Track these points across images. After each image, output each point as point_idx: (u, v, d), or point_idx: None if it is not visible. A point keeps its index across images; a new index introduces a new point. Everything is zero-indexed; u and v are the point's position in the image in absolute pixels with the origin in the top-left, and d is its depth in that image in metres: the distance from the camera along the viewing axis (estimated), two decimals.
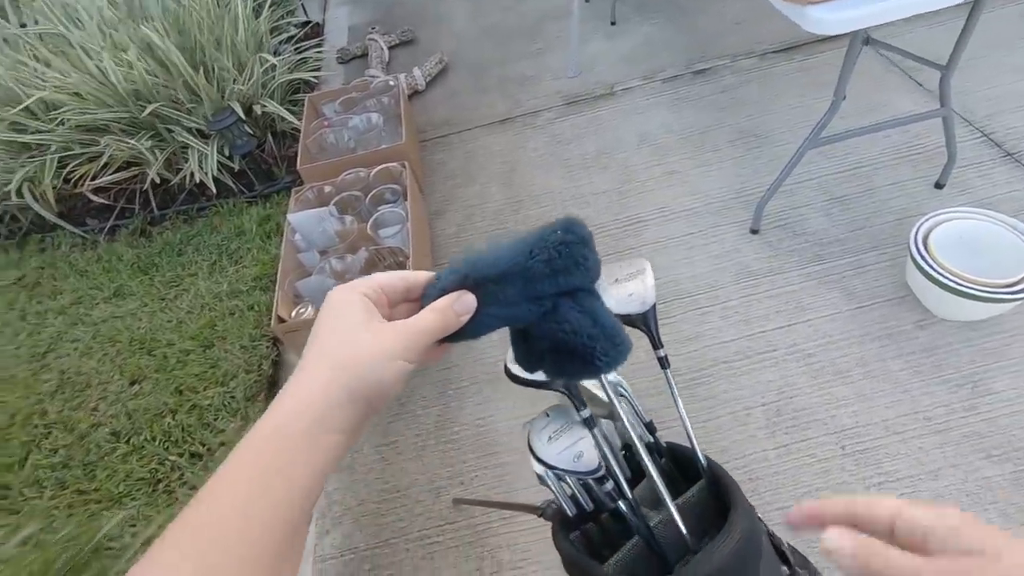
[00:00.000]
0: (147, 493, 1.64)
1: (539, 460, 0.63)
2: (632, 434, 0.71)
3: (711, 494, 0.67)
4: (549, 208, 2.21)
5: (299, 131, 2.49)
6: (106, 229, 2.59)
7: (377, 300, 0.43)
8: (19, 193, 2.47)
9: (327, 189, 2.16)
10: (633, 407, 0.75)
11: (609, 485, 0.62)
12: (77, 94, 2.46)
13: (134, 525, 1.56)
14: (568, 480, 0.70)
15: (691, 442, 0.68)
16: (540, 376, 0.64)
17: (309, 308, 1.83)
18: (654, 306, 0.65)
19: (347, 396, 0.38)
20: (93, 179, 2.51)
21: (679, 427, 0.75)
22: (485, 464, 1.58)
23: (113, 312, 2.18)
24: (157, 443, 1.74)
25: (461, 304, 0.43)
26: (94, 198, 2.56)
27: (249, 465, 0.37)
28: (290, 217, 2.03)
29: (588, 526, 0.71)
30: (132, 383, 1.92)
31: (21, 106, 2.44)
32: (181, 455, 1.71)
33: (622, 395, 0.75)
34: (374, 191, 2.10)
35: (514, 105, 2.70)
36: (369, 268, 1.94)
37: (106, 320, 2.15)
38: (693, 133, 2.31)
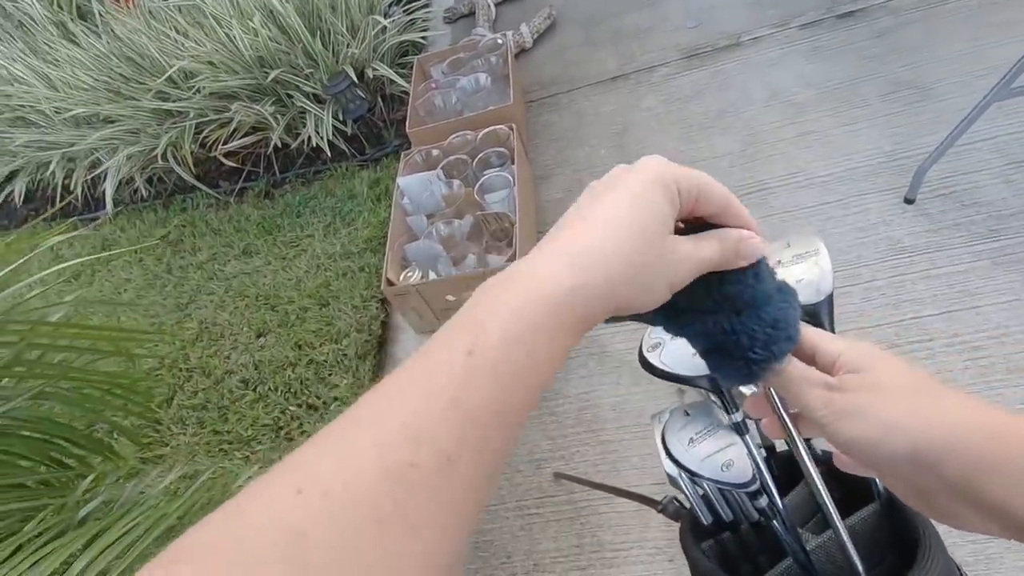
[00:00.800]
0: (271, 438, 1.77)
1: (676, 463, 0.56)
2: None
3: (884, 516, 0.57)
4: None
5: (408, 94, 2.50)
6: (235, 191, 2.79)
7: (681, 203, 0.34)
8: (164, 157, 2.70)
9: (435, 153, 2.16)
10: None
11: (763, 501, 0.54)
12: (211, 62, 2.62)
13: (261, 471, 1.69)
14: (706, 485, 0.63)
15: None
16: (685, 371, 0.56)
17: (416, 272, 1.85)
18: (830, 296, 0.54)
19: (600, 307, 0.31)
20: (224, 143, 2.69)
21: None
22: (588, 440, 1.53)
23: (242, 269, 2.35)
24: (279, 393, 1.87)
25: (749, 246, 0.36)
26: (225, 162, 2.75)
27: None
28: (399, 181, 2.05)
29: (724, 536, 0.64)
30: (258, 336, 2.07)
31: (164, 76, 2.65)
32: (300, 406, 1.82)
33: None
34: (480, 155, 2.06)
35: (627, 61, 2.52)
36: (475, 234, 1.92)
37: (236, 276, 2.32)
38: (836, 87, 2.02)
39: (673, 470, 0.65)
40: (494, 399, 0.27)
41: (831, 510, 0.51)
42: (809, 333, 0.40)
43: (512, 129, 2.07)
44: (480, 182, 1.95)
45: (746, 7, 2.47)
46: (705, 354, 0.43)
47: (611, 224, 0.32)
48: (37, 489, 0.82)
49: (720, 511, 0.62)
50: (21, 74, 2.94)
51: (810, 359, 0.39)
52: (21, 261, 0.88)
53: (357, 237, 2.29)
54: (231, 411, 1.87)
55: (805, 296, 0.57)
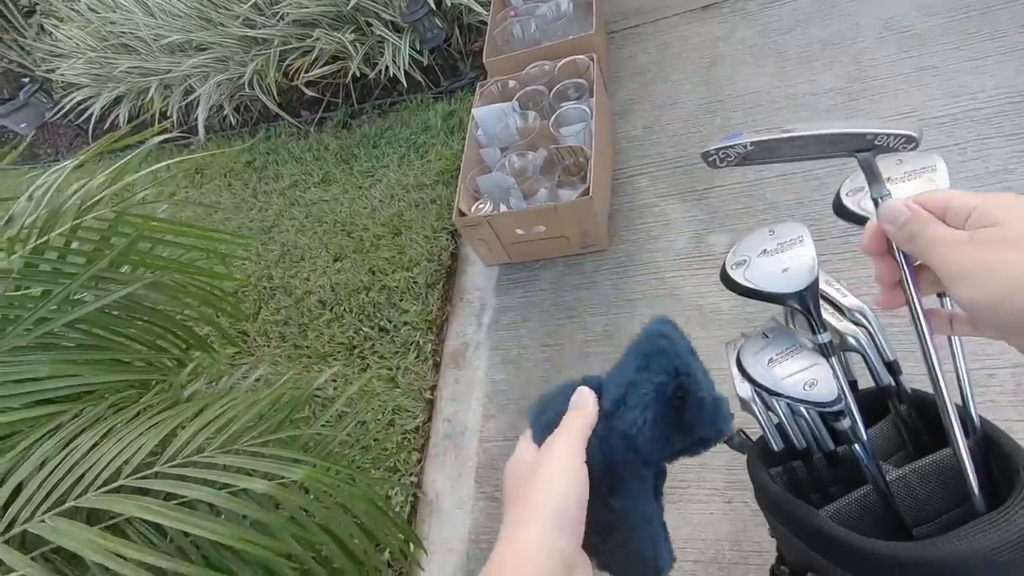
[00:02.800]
0: (345, 356, 1.88)
1: (754, 383, 0.54)
2: (875, 370, 0.58)
3: (979, 453, 0.53)
4: (753, 112, 1.92)
5: (485, 24, 2.43)
6: (315, 121, 2.86)
7: None
8: (250, 85, 2.80)
9: (511, 84, 2.11)
10: (874, 340, 0.61)
11: (845, 423, 0.52)
12: None
13: (335, 381, 1.81)
14: (779, 409, 0.61)
15: (963, 394, 0.53)
16: (772, 287, 0.54)
17: (487, 204, 1.85)
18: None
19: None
20: (306, 72, 2.74)
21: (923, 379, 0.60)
22: None
23: (321, 196, 2.44)
24: (353, 315, 1.97)
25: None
26: (306, 91, 2.81)
27: None
28: (474, 111, 2.03)
29: (795, 464, 0.62)
30: (335, 260, 2.16)
31: (250, 2, 2.70)
32: (372, 328, 1.91)
33: (861, 324, 0.62)
34: (558, 86, 1.99)
35: None
36: (549, 167, 1.89)
37: (316, 203, 2.42)
38: (966, 15, 1.79)
39: (748, 393, 0.64)
40: None
41: (950, 413, 0.48)
42: (940, 193, 0.39)
43: (592, 59, 1.98)
44: (556, 114, 1.89)
45: None
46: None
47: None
48: (145, 368, 0.92)
49: (793, 438, 0.61)
50: (123, 1, 3.09)
51: (941, 215, 0.38)
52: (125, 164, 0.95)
53: (430, 169, 2.31)
54: (310, 328, 1.99)
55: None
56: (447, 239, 2.07)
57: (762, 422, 0.62)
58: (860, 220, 0.54)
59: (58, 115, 3.69)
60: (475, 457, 1.59)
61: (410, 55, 2.55)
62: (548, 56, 2.09)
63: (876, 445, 0.59)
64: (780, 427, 0.62)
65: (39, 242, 0.74)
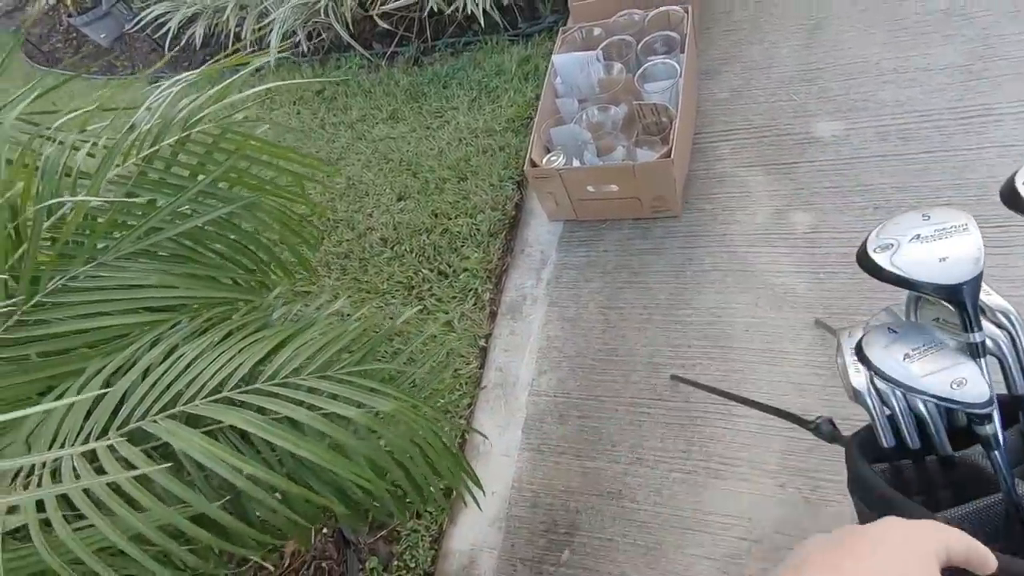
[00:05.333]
0: (403, 295, 1.90)
1: (888, 379, 0.51)
2: (1012, 377, 0.54)
3: None
4: (859, 83, 1.77)
5: None
6: (387, 55, 2.81)
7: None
8: (325, 12, 2.75)
9: (596, 32, 2.00)
10: (1016, 345, 0.56)
11: (988, 428, 0.49)
12: None
13: (391, 319, 1.84)
14: (895, 405, 0.58)
15: None
16: (925, 277, 0.50)
17: (560, 157, 1.80)
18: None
19: None
20: (382, 3, 2.67)
21: None
22: (712, 355, 1.49)
23: (388, 133, 2.42)
24: (414, 255, 1.98)
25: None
26: (380, 23, 2.75)
27: None
28: (554, 58, 1.94)
29: (903, 463, 0.59)
30: (399, 199, 2.16)
31: None
32: (431, 271, 1.92)
33: (1003, 327, 0.57)
34: (646, 39, 1.88)
35: None
36: (628, 124, 1.81)
37: (383, 139, 2.40)
38: None
39: (864, 384, 0.60)
40: None
41: None
42: None
43: (687, 11, 1.86)
44: (643, 68, 1.80)
45: None
46: None
47: None
48: (231, 287, 0.94)
49: (907, 437, 0.58)
50: None
51: None
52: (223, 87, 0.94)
53: (501, 115, 2.25)
54: (370, 264, 2.01)
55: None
56: (513, 189, 2.03)
57: (875, 415, 0.59)
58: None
59: (135, 28, 3.74)
60: (524, 409, 1.61)
61: None
62: (639, 4, 1.97)
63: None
64: (892, 422, 0.59)
65: (150, 151, 0.75)
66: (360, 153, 2.39)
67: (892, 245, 0.52)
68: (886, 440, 0.59)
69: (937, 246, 0.49)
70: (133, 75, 3.75)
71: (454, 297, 1.84)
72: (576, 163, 1.78)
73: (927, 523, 0.34)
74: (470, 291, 1.83)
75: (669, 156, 1.59)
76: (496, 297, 1.84)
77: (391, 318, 1.84)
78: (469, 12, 2.50)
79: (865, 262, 0.53)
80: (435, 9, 2.60)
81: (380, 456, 0.73)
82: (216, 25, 3.30)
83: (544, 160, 1.81)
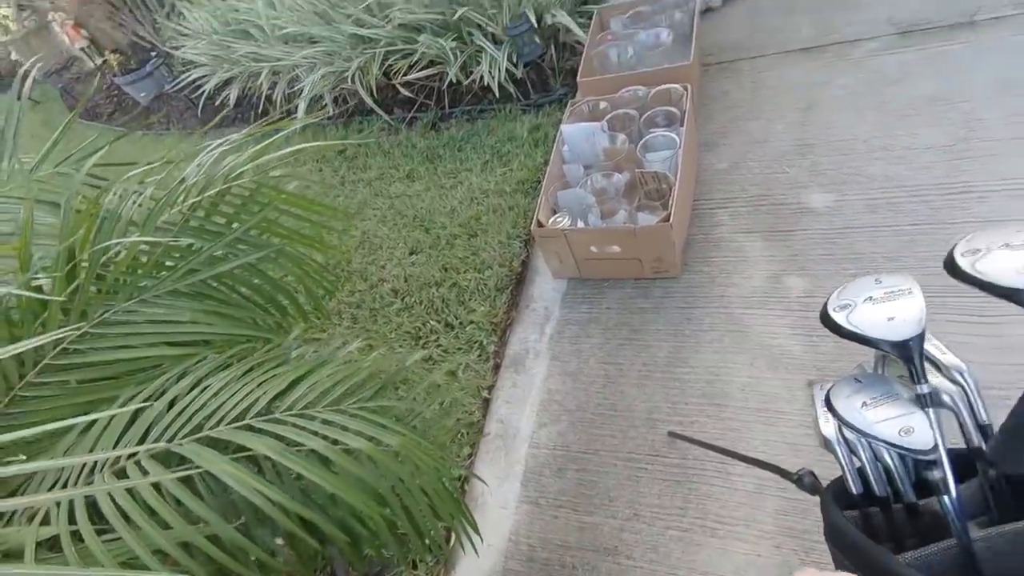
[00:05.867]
0: (410, 345, 1.97)
1: (846, 423, 0.56)
2: (967, 431, 0.59)
3: None
4: (849, 159, 1.89)
5: (581, 44, 2.50)
6: (407, 120, 3.00)
7: None
8: (352, 80, 2.97)
9: (602, 105, 2.16)
10: (970, 401, 0.61)
11: (936, 474, 0.53)
12: None
13: (412, 371, 1.89)
14: (863, 454, 0.62)
15: None
16: (875, 334, 0.56)
17: (565, 219, 1.90)
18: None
19: None
20: (405, 74, 2.89)
21: None
22: (710, 413, 1.53)
23: (404, 191, 2.56)
24: (423, 307, 2.05)
25: None
26: (402, 91, 2.96)
27: None
28: (563, 127, 2.09)
29: (871, 510, 0.63)
30: (411, 253, 2.26)
31: (363, 3, 2.88)
32: (439, 322, 1.99)
33: (957, 383, 0.62)
34: (648, 112, 2.03)
35: (826, 31, 2.30)
36: (630, 190, 1.92)
37: (399, 196, 2.53)
38: None
39: (832, 434, 0.65)
40: None
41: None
42: None
43: (687, 89, 2.01)
44: (644, 139, 1.93)
45: None
46: None
47: None
48: (252, 326, 1.01)
49: (874, 484, 0.62)
50: None
51: None
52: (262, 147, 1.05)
53: (511, 177, 2.38)
54: (380, 314, 2.09)
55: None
56: (520, 247, 2.13)
57: (843, 463, 0.63)
58: (973, 282, 0.56)
59: (174, 88, 4.02)
60: (523, 462, 1.63)
61: (506, 67, 2.64)
62: (642, 82, 2.13)
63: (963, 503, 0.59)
64: (861, 472, 0.63)
65: (194, 201, 0.85)
66: (376, 208, 2.52)
67: (849, 306, 0.58)
68: (855, 487, 0.63)
69: (886, 307, 0.56)
70: (168, 131, 3.99)
71: (459, 348, 1.90)
72: (581, 224, 1.87)
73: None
74: (475, 343, 1.89)
75: (668, 220, 1.68)
76: (500, 350, 1.90)
77: (397, 364, 1.89)
78: (485, 83, 2.69)
79: (826, 320, 0.60)
80: (454, 80, 2.80)
81: (385, 488, 0.77)
82: (249, 88, 3.55)
83: (550, 221, 1.91)
